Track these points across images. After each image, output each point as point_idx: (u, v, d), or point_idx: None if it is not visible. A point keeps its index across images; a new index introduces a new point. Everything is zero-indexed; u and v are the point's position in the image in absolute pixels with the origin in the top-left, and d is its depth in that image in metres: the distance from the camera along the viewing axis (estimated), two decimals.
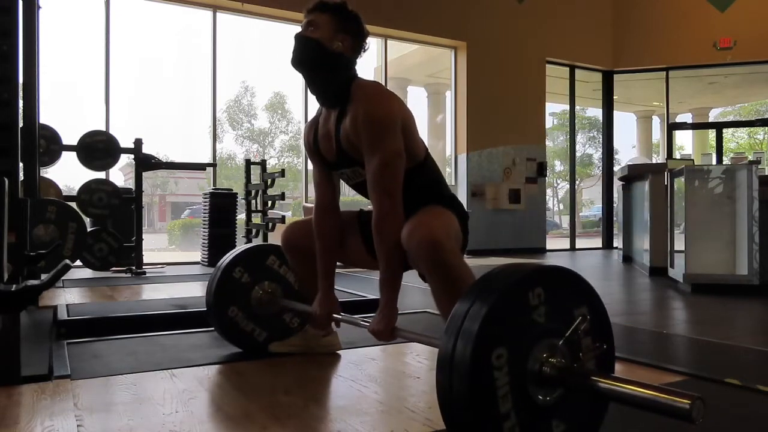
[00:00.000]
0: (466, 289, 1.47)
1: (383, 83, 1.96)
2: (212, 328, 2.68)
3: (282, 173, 6.36)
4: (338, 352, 2.26)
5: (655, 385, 1.05)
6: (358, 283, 4.37)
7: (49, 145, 4.84)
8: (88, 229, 4.90)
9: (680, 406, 0.97)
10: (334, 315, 2.02)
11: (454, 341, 1.09)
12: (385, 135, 1.72)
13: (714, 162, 6.75)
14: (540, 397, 1.12)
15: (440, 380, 1.11)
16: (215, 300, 2.26)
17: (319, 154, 1.97)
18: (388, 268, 1.76)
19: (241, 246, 2.45)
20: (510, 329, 1.10)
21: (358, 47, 1.89)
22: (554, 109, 17.24)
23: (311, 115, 8.68)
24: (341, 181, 2.05)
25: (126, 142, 5.33)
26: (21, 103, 2.08)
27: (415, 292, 4.36)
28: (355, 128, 1.76)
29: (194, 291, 4.24)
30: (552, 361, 1.12)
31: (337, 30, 1.84)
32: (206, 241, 6.43)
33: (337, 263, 2.09)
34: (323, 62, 1.83)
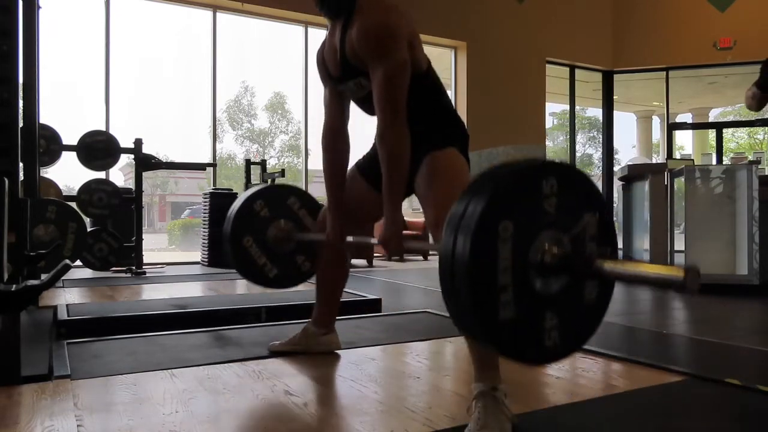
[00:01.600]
0: None
1: None
2: (212, 328, 2.69)
3: (282, 173, 6.37)
4: (338, 351, 2.26)
5: (652, 264, 1.07)
6: (357, 283, 4.37)
7: (49, 145, 4.83)
8: (88, 229, 4.90)
9: (676, 278, 0.99)
10: (343, 232, 2.00)
11: (465, 206, 1.12)
12: (391, 46, 1.71)
13: (714, 162, 6.75)
14: (539, 284, 1.14)
15: (445, 240, 1.13)
16: (232, 226, 2.30)
17: (328, 71, 1.96)
18: (392, 178, 1.74)
19: (265, 185, 2.51)
20: (519, 207, 1.12)
21: None
22: (554, 109, 17.22)
23: (311, 115, 8.63)
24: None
25: (126, 142, 5.33)
26: (21, 103, 2.08)
27: (416, 292, 4.36)
28: (360, 39, 1.75)
29: (194, 291, 4.24)
30: (555, 251, 1.14)
31: None
32: (206, 241, 6.43)
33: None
34: None
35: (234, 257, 2.34)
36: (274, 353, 2.23)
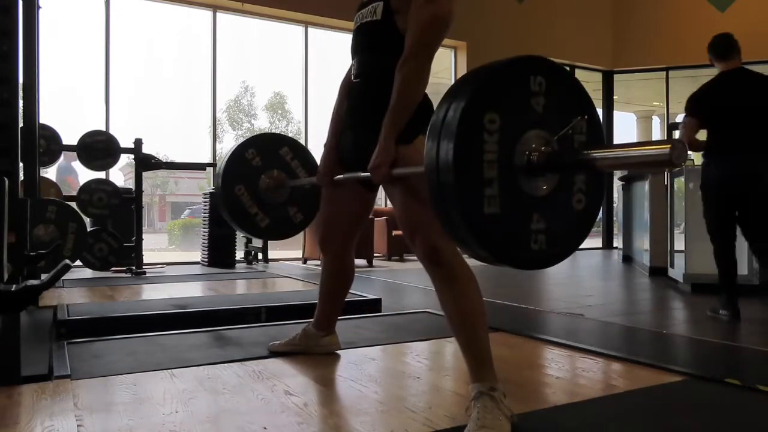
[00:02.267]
0: (465, 287, 1.47)
1: None
2: (212, 328, 2.69)
3: None
4: (338, 351, 2.26)
5: (637, 142, 1.07)
6: (357, 283, 4.36)
7: (49, 145, 4.84)
8: (88, 229, 4.90)
9: (661, 152, 0.98)
10: (336, 177, 1.92)
11: (446, 108, 1.10)
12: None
13: None
14: (526, 183, 1.11)
15: (428, 147, 1.11)
16: (223, 175, 2.29)
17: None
18: (398, 104, 1.65)
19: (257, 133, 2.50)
20: (506, 101, 1.10)
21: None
22: None
23: (311, 115, 8.60)
24: None
25: (126, 142, 5.33)
26: (21, 103, 2.08)
27: (415, 292, 4.36)
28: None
29: (194, 291, 4.25)
30: (542, 149, 1.11)
31: None
32: (206, 241, 6.43)
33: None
34: None
35: (225, 206, 2.33)
36: (273, 353, 2.23)
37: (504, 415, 1.40)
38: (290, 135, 18.59)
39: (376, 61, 1.78)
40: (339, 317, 2.29)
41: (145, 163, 5.39)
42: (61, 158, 5.35)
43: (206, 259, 6.41)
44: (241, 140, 2.40)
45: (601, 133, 1.26)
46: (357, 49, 1.87)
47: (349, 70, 1.95)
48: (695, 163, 5.87)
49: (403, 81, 1.66)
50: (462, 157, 1.05)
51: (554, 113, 1.15)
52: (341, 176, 1.89)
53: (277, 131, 18.95)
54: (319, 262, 7.13)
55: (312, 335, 2.24)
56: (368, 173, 1.67)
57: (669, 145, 0.96)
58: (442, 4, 1.71)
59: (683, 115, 3.37)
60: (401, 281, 4.96)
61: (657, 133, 16.10)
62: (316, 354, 2.21)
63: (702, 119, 3.29)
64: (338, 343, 2.27)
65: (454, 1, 1.73)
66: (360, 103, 1.84)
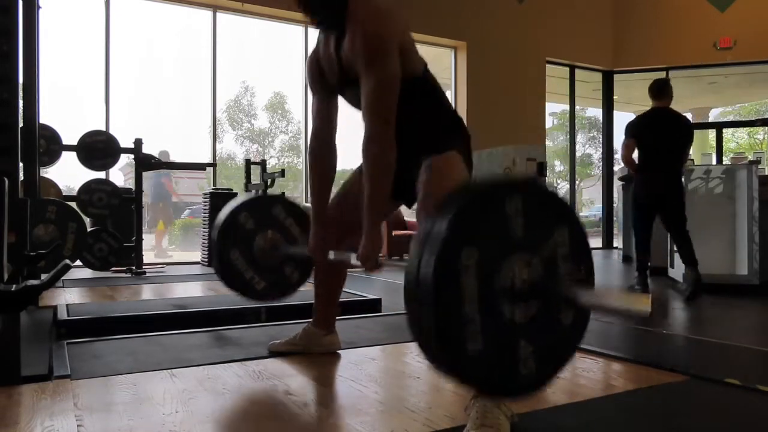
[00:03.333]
0: None
1: None
2: (212, 328, 2.69)
3: (282, 173, 6.36)
4: (338, 351, 2.26)
5: (622, 294, 1.05)
6: (358, 283, 4.36)
7: (49, 146, 4.84)
8: (88, 229, 4.90)
9: (642, 309, 0.97)
10: (325, 241, 2.01)
11: (425, 239, 1.08)
12: (381, 56, 1.70)
13: (714, 162, 6.75)
14: (510, 311, 1.08)
15: (409, 264, 1.10)
16: (218, 242, 2.30)
17: (322, 79, 1.96)
18: (372, 191, 1.72)
19: (249, 194, 2.50)
20: (483, 232, 1.06)
21: None
22: (554, 109, 17.23)
23: (311, 115, 8.56)
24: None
25: (126, 142, 5.33)
26: (21, 103, 2.08)
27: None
28: (351, 48, 1.75)
29: (194, 291, 4.24)
30: (525, 276, 1.08)
31: None
32: (206, 241, 6.42)
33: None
34: None
35: (222, 275, 2.35)
36: (274, 353, 2.23)
37: (504, 415, 1.40)
38: (290, 135, 18.58)
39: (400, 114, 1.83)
40: (339, 317, 2.29)
41: (145, 163, 5.39)
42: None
43: (206, 259, 6.40)
44: (234, 202, 2.41)
45: (587, 245, 1.21)
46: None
47: (317, 133, 2.05)
48: (695, 163, 5.86)
49: (371, 167, 1.73)
50: (441, 303, 1.02)
51: (535, 231, 1.11)
52: (333, 254, 1.96)
53: (277, 131, 18.96)
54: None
55: (312, 334, 2.24)
56: (357, 259, 1.80)
57: (649, 304, 0.95)
58: (380, 73, 1.71)
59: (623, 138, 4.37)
60: (401, 281, 4.94)
61: None
62: (316, 354, 2.21)
63: (636, 142, 4.31)
64: (339, 342, 2.27)
65: (393, 57, 1.72)
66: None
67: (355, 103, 1.92)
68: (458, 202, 1.09)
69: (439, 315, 1.02)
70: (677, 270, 4.69)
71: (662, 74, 10.31)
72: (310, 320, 2.28)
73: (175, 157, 7.63)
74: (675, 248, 4.37)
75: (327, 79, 1.95)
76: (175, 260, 7.24)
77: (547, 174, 9.84)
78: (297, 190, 9.57)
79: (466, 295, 1.04)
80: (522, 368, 1.10)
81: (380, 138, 1.72)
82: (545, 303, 1.11)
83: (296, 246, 2.27)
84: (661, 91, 4.56)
